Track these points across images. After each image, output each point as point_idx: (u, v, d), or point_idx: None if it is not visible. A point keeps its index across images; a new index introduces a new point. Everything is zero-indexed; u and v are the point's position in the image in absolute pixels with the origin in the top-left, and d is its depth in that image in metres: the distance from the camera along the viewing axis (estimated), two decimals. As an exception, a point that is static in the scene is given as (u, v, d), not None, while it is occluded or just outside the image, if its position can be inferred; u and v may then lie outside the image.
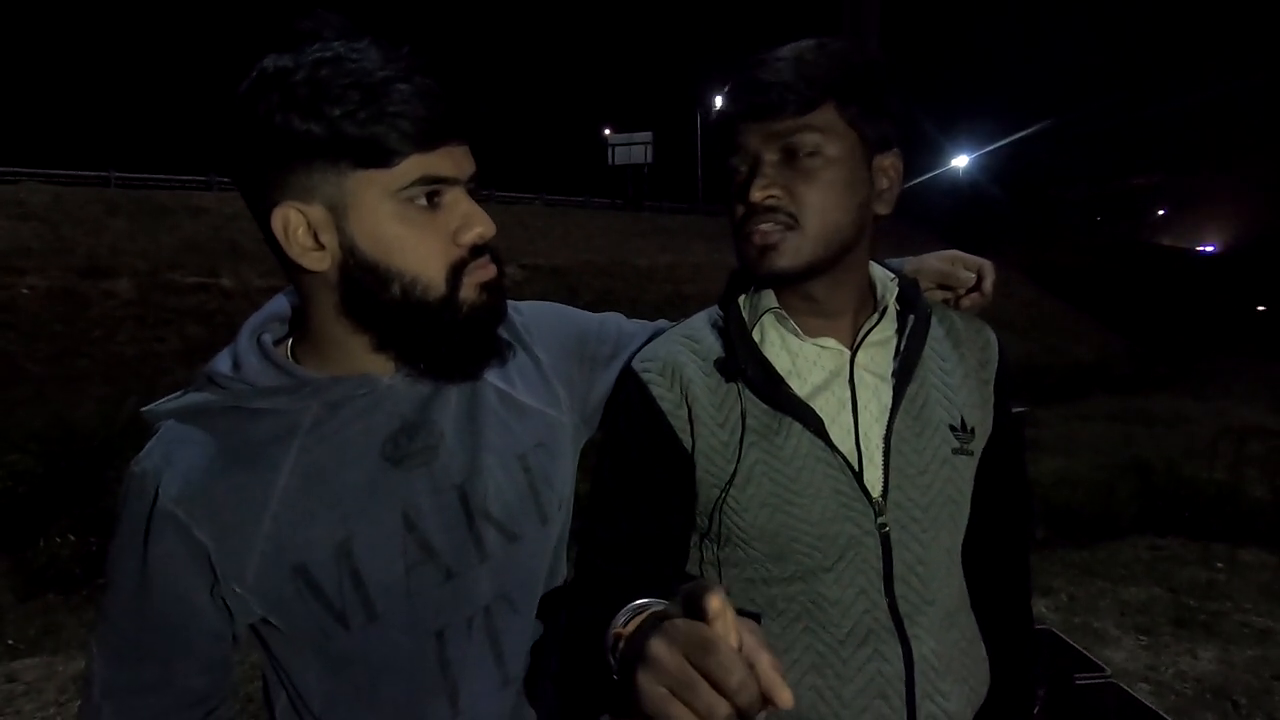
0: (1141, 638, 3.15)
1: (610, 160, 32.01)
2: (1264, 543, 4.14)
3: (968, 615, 0.84)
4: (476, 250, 0.68)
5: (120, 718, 0.69)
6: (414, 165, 0.63)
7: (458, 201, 0.67)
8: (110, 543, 0.69)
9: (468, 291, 0.67)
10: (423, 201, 0.64)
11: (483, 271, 0.68)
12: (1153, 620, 3.30)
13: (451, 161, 0.65)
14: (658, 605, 0.57)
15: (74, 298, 11.27)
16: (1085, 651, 1.75)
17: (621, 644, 0.56)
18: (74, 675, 2.94)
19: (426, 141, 0.63)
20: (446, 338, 0.68)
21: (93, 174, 17.51)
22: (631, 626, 0.56)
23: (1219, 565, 3.91)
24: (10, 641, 3.25)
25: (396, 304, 0.65)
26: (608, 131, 33.66)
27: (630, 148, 31.73)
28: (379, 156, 0.61)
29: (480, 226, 0.67)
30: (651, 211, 26.71)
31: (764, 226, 0.74)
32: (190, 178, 18.77)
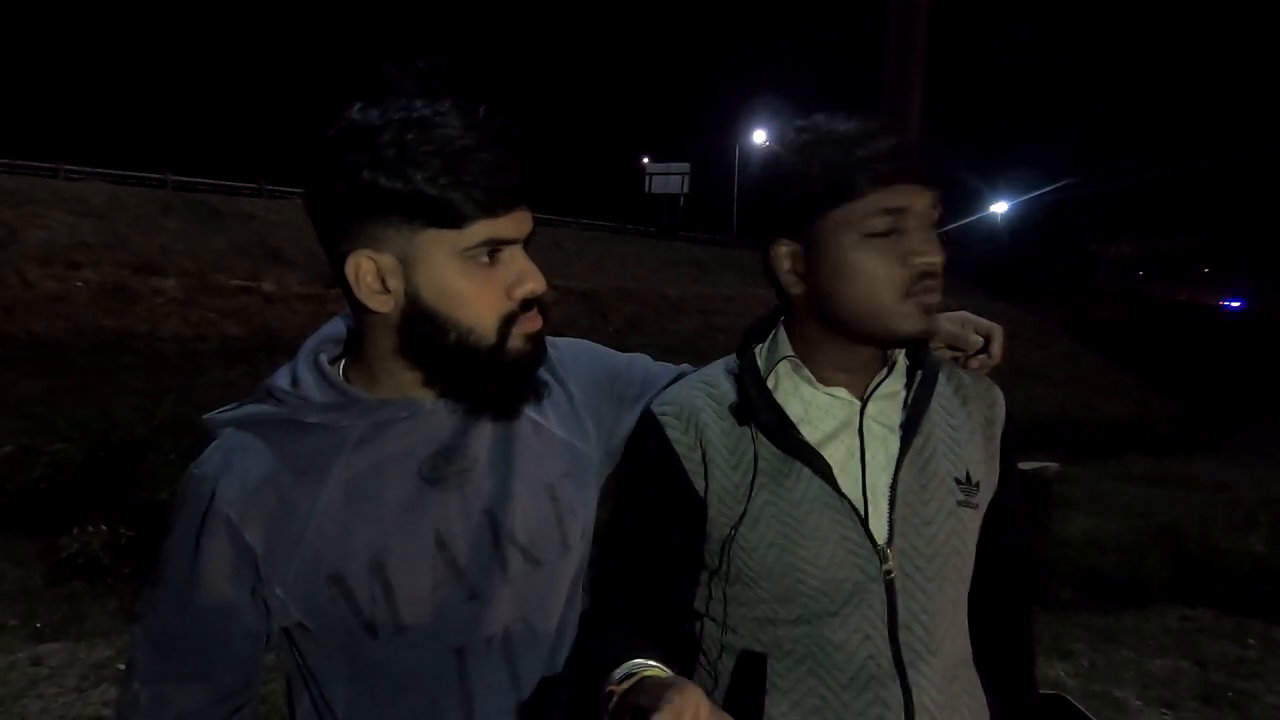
0: (1164, 712, 3.04)
1: (647, 189, 32.39)
2: (1301, 622, 3.98)
3: (970, 670, 0.85)
4: (527, 303, 0.73)
5: (155, 705, 0.73)
6: (482, 229, 0.69)
7: (514, 258, 0.72)
8: (164, 539, 0.74)
9: (515, 341, 0.73)
10: (485, 259, 0.70)
11: (531, 323, 0.74)
12: (1177, 695, 3.18)
13: (515, 224, 0.71)
14: (651, 668, 0.64)
15: (124, 293, 11.69)
16: (1100, 721, 1.70)
17: (614, 700, 0.61)
18: (95, 663, 3.02)
19: (496, 209, 0.68)
20: (492, 380, 0.73)
21: (151, 175, 18.26)
22: (624, 686, 0.62)
23: (1251, 642, 3.76)
24: (38, 625, 3.34)
25: (451, 349, 0.71)
26: (646, 160, 34.13)
27: (667, 177, 32.09)
28: (453, 220, 0.67)
29: (532, 283, 0.72)
30: (685, 242, 26.90)
31: (935, 290, 0.77)
32: (243, 184, 19.46)
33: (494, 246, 0.70)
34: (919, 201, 0.76)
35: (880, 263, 0.76)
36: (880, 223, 0.75)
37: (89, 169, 17.65)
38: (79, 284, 11.50)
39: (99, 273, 11.90)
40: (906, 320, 0.77)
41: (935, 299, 0.78)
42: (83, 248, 12.48)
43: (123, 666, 2.97)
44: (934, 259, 0.76)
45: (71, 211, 13.66)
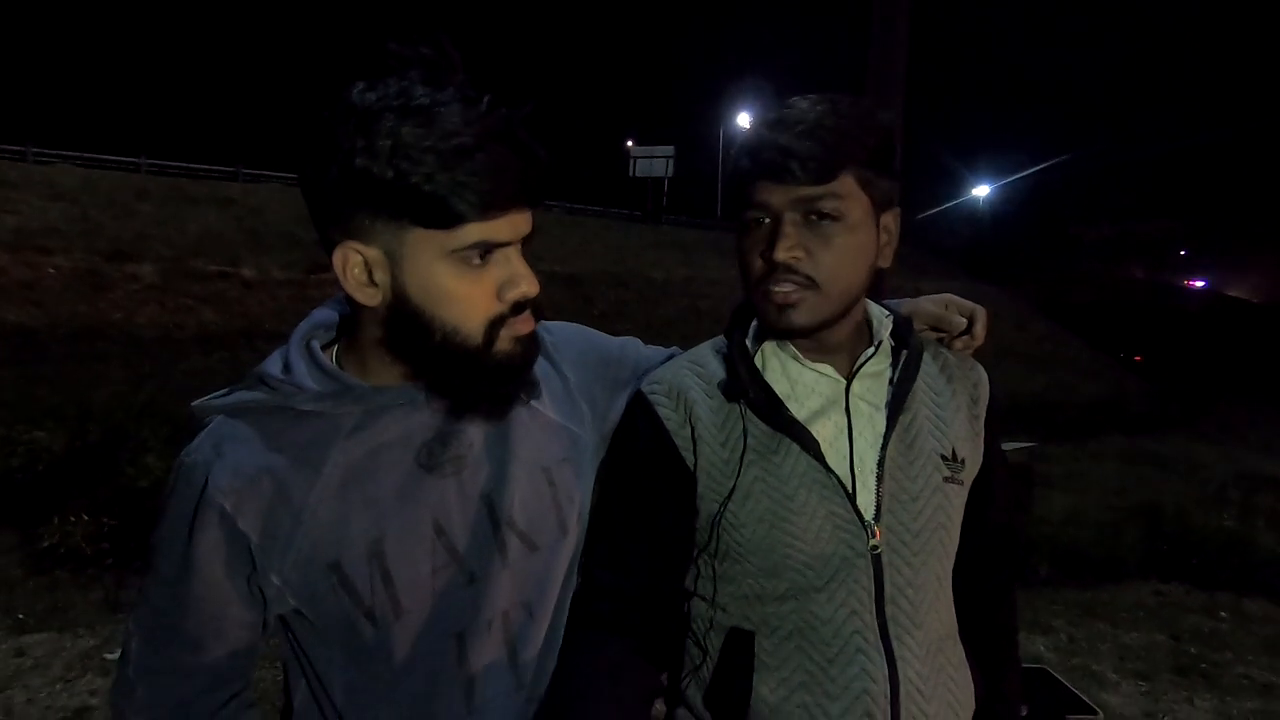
0: (1140, 683, 3.13)
1: (631, 172, 32.11)
2: (1270, 594, 4.10)
3: (955, 643, 0.87)
4: (518, 306, 0.71)
5: (152, 696, 0.74)
6: (474, 230, 0.67)
7: (507, 259, 0.70)
8: (155, 528, 0.73)
9: (503, 344, 0.71)
10: (476, 260, 0.68)
11: (521, 325, 0.72)
12: (1152, 666, 3.27)
13: (509, 227, 0.69)
14: None
15: (98, 279, 11.45)
16: (1079, 693, 1.76)
17: None
18: (81, 653, 2.99)
19: (489, 212, 0.66)
20: (477, 382, 0.72)
21: (125, 159, 17.83)
22: None
23: (1223, 615, 3.88)
24: (20, 616, 3.30)
25: (436, 348, 0.70)
26: (630, 143, 33.84)
27: (652, 160, 31.81)
28: (444, 220, 0.65)
29: (524, 286, 0.71)
30: (670, 225, 26.79)
31: (785, 287, 0.78)
32: (219, 168, 19.08)
33: (486, 248, 0.68)
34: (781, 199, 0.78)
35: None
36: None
37: (60, 152, 17.20)
38: (51, 270, 11.24)
39: (71, 259, 11.63)
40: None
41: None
42: (54, 233, 12.18)
43: (109, 656, 2.95)
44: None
45: (42, 196, 13.31)
